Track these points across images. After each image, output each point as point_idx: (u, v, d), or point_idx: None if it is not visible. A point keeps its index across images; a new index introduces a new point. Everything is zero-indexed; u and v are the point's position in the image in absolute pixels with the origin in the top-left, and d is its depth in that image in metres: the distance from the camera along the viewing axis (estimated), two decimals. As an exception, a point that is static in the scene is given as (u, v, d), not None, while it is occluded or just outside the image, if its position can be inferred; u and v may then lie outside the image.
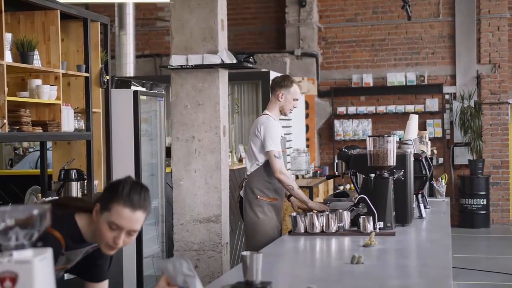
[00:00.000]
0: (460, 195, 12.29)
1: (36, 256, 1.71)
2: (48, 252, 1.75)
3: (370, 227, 4.10)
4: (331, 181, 11.20)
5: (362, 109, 12.71)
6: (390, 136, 4.35)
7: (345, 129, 12.78)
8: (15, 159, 8.69)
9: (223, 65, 5.53)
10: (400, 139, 5.27)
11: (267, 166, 5.06)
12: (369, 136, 4.38)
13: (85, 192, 5.53)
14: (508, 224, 12.44)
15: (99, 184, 5.78)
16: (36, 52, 4.85)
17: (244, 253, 2.70)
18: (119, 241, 2.56)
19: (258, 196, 5.08)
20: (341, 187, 11.00)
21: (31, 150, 8.56)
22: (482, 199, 12.09)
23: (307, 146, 12.08)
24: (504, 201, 12.48)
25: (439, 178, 6.43)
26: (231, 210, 5.97)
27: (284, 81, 5.20)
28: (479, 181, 12.12)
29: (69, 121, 5.21)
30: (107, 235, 2.55)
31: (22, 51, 4.73)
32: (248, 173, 5.20)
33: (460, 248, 10.09)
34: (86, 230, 2.65)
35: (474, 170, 12.15)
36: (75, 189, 5.33)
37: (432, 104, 12.50)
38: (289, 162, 9.70)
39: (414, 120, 5.47)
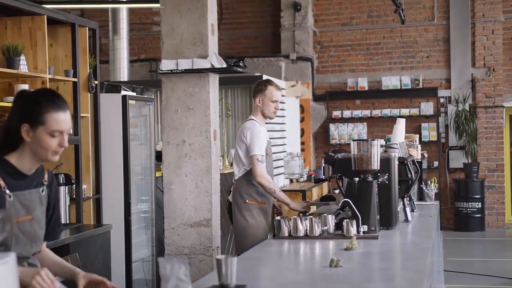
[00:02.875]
0: (455, 198, 12.29)
1: (-3, 260, 1.72)
2: (11, 257, 1.77)
3: (353, 230, 4.11)
4: (325, 185, 11.20)
5: (357, 113, 12.73)
6: (374, 140, 4.36)
7: (340, 133, 12.79)
8: None
9: (213, 70, 5.54)
10: (386, 143, 5.28)
11: None
12: (353, 140, 4.40)
13: (74, 196, 5.54)
14: (503, 227, 12.44)
15: (87, 189, 5.79)
16: (22, 57, 4.87)
17: (219, 257, 2.72)
18: (64, 143, 2.69)
19: (247, 201, 5.15)
20: (337, 191, 10.98)
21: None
22: (477, 203, 12.09)
23: (303, 150, 12.10)
24: (499, 204, 12.48)
25: (429, 182, 6.43)
26: (222, 214, 5.99)
27: (259, 86, 5.31)
28: (474, 185, 12.13)
29: (56, 126, 5.22)
30: (51, 144, 2.67)
31: (8, 56, 4.75)
32: (236, 178, 5.26)
33: (455, 252, 10.10)
34: (21, 163, 2.71)
35: (469, 174, 12.16)
36: (63, 194, 5.34)
37: (427, 107, 12.50)
38: (281, 166, 9.73)
39: (401, 124, 5.49)
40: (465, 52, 12.47)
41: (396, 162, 4.61)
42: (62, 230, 2.98)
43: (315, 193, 9.78)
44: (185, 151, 5.59)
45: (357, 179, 4.33)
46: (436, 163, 12.41)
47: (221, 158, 8.27)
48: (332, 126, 12.80)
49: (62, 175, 5.41)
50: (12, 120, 2.70)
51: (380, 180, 4.40)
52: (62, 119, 2.68)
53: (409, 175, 4.93)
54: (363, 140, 4.40)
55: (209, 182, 5.58)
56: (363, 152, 4.32)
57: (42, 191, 2.80)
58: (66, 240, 4.79)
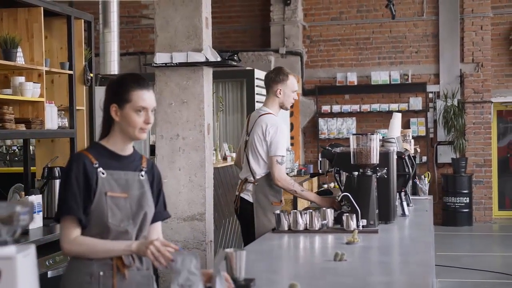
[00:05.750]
0: (443, 193, 12.37)
1: (19, 252, 1.71)
2: (31, 249, 1.75)
3: (353, 224, 4.12)
4: (315, 179, 11.24)
5: (347, 107, 12.76)
6: (373, 134, 4.37)
7: (329, 128, 12.82)
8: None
9: (207, 63, 5.52)
10: (383, 137, 5.29)
11: None
12: (352, 134, 4.40)
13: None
14: (490, 222, 12.54)
15: (82, 182, 5.75)
16: (19, 49, 4.83)
17: (228, 250, 2.72)
18: (149, 120, 2.85)
19: (273, 202, 4.91)
20: (325, 185, 11.03)
21: (14, 148, 8.52)
22: (465, 197, 12.18)
23: (292, 144, 12.12)
24: (486, 199, 12.57)
25: (422, 176, 6.46)
26: (215, 208, 5.97)
27: (279, 76, 4.96)
28: (462, 180, 12.21)
29: (52, 119, 5.19)
30: (138, 121, 2.83)
31: (5, 48, 4.70)
32: (257, 177, 4.93)
33: (443, 246, 10.16)
34: (113, 145, 2.88)
35: (457, 169, 12.23)
36: (58, 187, 5.30)
37: (416, 102, 12.56)
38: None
39: (397, 119, 5.50)
40: (454, 47, 12.54)
41: (395, 157, 4.62)
42: (167, 217, 3.07)
43: (306, 187, 9.80)
44: (178, 145, 5.58)
45: (356, 173, 4.33)
46: (424, 158, 12.47)
47: (213, 152, 8.26)
48: (321, 121, 12.82)
49: (58, 168, 5.37)
50: (105, 104, 2.87)
51: (379, 174, 4.41)
52: (146, 96, 2.84)
53: (407, 169, 4.94)
54: (362, 134, 4.41)
55: (202, 176, 5.57)
56: (363, 146, 4.33)
57: (141, 175, 2.92)
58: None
